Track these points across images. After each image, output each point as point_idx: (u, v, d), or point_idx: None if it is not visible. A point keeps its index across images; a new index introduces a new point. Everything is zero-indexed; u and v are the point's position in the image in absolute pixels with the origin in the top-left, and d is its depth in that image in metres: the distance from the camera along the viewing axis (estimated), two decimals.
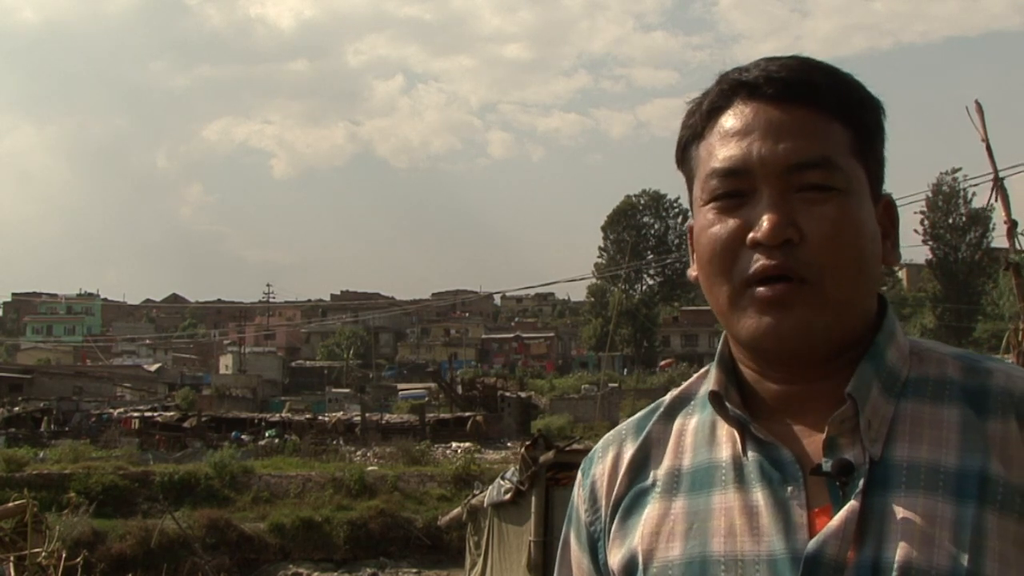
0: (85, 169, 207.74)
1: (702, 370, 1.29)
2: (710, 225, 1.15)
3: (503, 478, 8.56)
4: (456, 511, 13.27)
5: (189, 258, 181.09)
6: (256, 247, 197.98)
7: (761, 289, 1.10)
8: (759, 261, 1.10)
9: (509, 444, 32.67)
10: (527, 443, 7.86)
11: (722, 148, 1.15)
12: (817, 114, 1.13)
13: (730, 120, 1.15)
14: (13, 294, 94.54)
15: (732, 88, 1.17)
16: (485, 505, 9.78)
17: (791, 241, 1.09)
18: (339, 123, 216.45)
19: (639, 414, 1.31)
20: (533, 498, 7.43)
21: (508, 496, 8.13)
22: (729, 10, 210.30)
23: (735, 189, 1.13)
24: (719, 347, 1.22)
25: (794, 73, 1.14)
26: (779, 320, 1.10)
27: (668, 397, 1.30)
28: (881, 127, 1.18)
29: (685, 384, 1.30)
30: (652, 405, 1.31)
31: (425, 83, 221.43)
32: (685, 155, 1.22)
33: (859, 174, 1.14)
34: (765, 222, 1.09)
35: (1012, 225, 5.99)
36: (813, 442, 1.12)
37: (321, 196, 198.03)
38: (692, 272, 1.22)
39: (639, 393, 52.05)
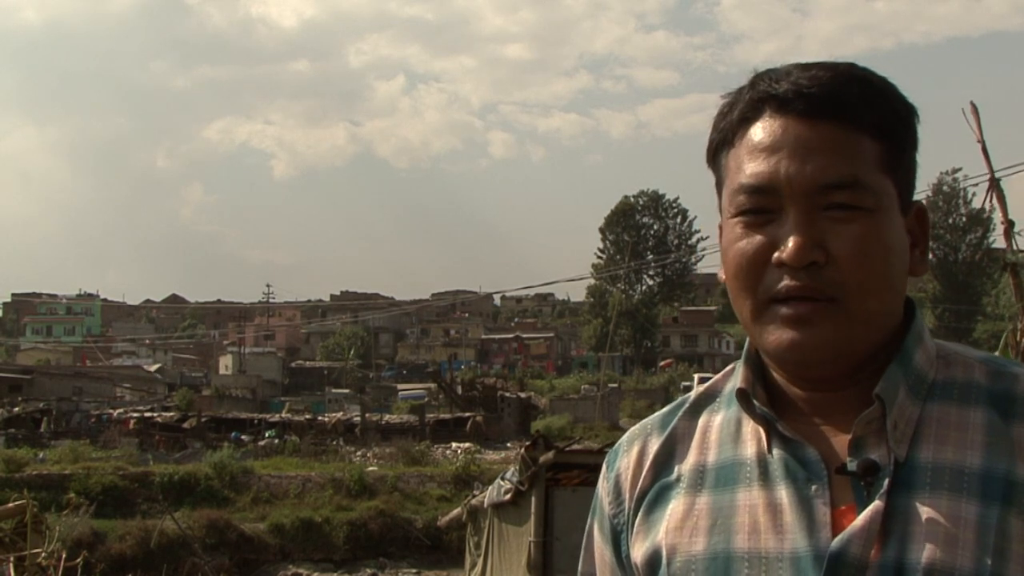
0: (85, 169, 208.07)
1: (728, 367, 1.30)
2: (736, 239, 1.15)
3: (503, 478, 8.56)
4: (456, 511, 13.28)
5: (189, 258, 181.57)
6: (256, 247, 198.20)
7: (785, 308, 1.11)
8: (784, 282, 1.11)
9: (509, 444, 32.66)
10: (527, 443, 7.86)
11: (750, 163, 1.15)
12: (847, 131, 1.12)
13: (759, 134, 1.15)
14: (13, 294, 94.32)
15: (762, 99, 1.16)
16: (485, 505, 9.78)
17: (817, 263, 1.09)
18: (340, 123, 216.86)
19: (664, 409, 1.32)
20: (533, 498, 7.43)
21: (508, 496, 8.14)
22: (731, 10, 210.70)
23: (762, 206, 1.13)
24: (746, 345, 1.23)
25: (825, 88, 1.12)
26: (803, 336, 1.10)
27: (693, 393, 1.30)
28: (914, 135, 1.18)
29: (711, 381, 1.31)
30: (678, 400, 1.32)
31: (426, 83, 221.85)
32: (716, 158, 1.23)
33: (888, 189, 1.13)
34: (791, 243, 1.09)
35: (1009, 225, 6.00)
36: (838, 442, 1.13)
37: (321, 196, 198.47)
38: (722, 274, 1.22)
39: (639, 393, 52.04)
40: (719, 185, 1.22)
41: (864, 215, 1.10)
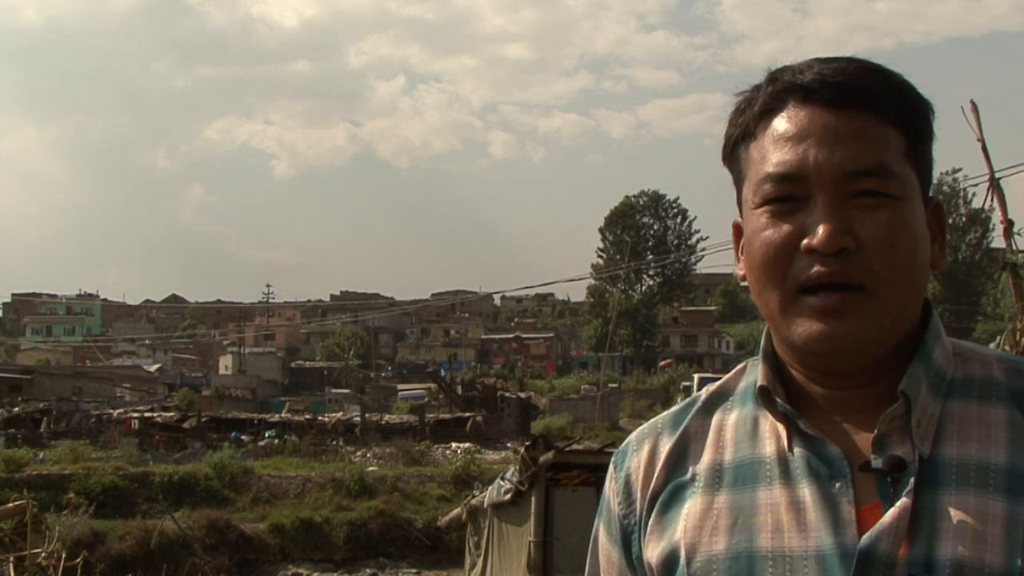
0: (85, 169, 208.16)
1: (739, 366, 1.29)
2: (763, 229, 1.14)
3: (503, 479, 8.56)
4: (456, 511, 13.27)
5: (189, 258, 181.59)
6: (256, 247, 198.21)
7: (815, 297, 1.10)
8: (815, 268, 1.10)
9: (509, 444, 32.65)
10: (527, 444, 7.86)
11: (776, 152, 1.14)
12: (873, 120, 1.12)
13: (784, 124, 1.15)
14: (13, 294, 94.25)
15: (786, 90, 1.15)
16: (485, 505, 9.78)
17: (847, 249, 1.09)
18: (340, 123, 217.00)
19: (675, 408, 1.30)
20: (533, 498, 7.43)
21: (508, 496, 8.13)
22: (731, 10, 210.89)
23: (789, 194, 1.13)
24: (762, 343, 1.22)
25: (850, 78, 1.13)
26: (833, 327, 1.10)
27: (705, 392, 1.28)
28: (931, 129, 1.18)
29: (723, 379, 1.30)
30: (688, 399, 1.30)
31: (426, 83, 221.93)
32: (734, 153, 1.22)
33: (912, 179, 1.14)
34: (821, 230, 1.09)
35: (1008, 225, 6.00)
36: (860, 439, 1.12)
37: (321, 197, 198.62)
38: (739, 271, 1.21)
39: (639, 394, 52.03)
40: (738, 181, 1.21)
41: (892, 203, 1.11)
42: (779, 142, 1.14)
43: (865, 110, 1.12)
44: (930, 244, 1.16)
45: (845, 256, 1.09)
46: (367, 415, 39.25)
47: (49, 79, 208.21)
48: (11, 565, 9.12)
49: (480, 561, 9.99)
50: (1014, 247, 5.84)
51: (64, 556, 9.87)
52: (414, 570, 22.87)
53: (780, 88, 1.16)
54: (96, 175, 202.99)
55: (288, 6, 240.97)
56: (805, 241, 1.10)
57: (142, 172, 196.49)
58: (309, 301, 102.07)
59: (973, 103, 5.75)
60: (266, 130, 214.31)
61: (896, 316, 1.11)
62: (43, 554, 9.40)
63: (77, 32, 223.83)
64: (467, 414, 37.62)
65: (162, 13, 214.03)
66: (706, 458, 1.21)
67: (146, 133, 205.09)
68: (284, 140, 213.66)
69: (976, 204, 62.96)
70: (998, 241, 6.09)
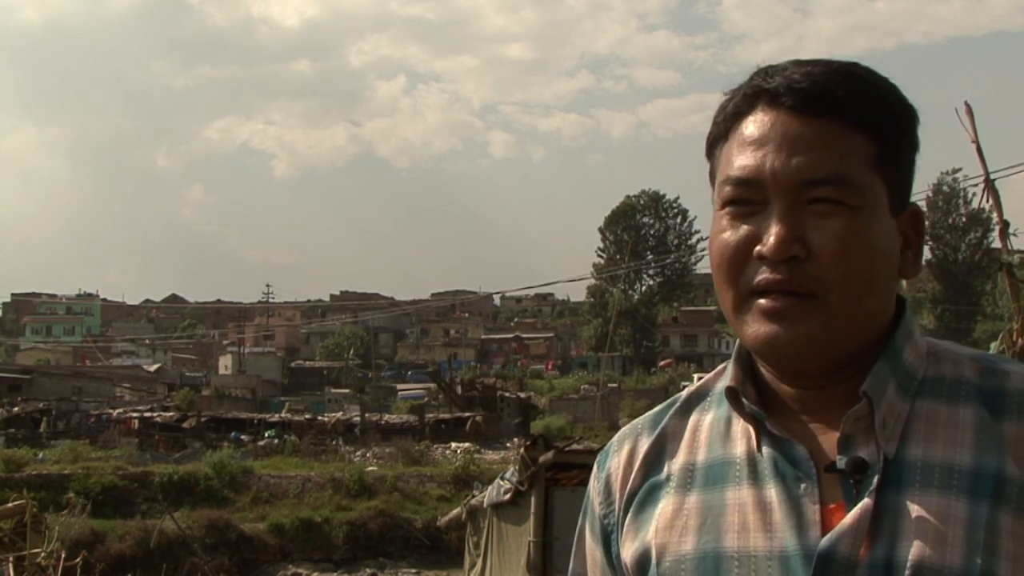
0: (85, 169, 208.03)
1: (720, 367, 1.29)
2: (721, 231, 1.15)
3: (503, 478, 8.55)
4: (455, 511, 13.26)
5: (189, 258, 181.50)
6: (256, 247, 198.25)
7: (763, 301, 1.11)
8: (763, 274, 1.10)
9: (508, 444, 32.66)
10: (527, 443, 7.86)
11: (739, 156, 1.15)
12: (837, 127, 1.11)
13: (749, 127, 1.15)
14: (13, 294, 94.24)
15: (755, 93, 1.16)
16: (485, 505, 9.77)
17: (797, 257, 1.09)
18: (340, 123, 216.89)
19: (656, 408, 1.31)
20: (532, 498, 7.42)
21: (507, 496, 8.12)
22: (732, 10, 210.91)
23: (747, 198, 1.13)
24: (736, 344, 1.22)
25: (817, 84, 1.12)
26: (780, 330, 1.10)
27: (685, 392, 1.30)
28: (910, 137, 1.16)
29: (703, 380, 1.30)
30: (670, 400, 1.31)
31: (427, 83, 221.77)
32: (712, 152, 1.23)
33: (878, 188, 1.12)
34: (772, 237, 1.09)
35: (1004, 226, 6.00)
36: (828, 440, 1.12)
37: (321, 196, 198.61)
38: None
39: (638, 393, 52.01)
40: (712, 179, 1.22)
41: (847, 211, 1.10)
42: (743, 146, 1.15)
43: (829, 117, 1.11)
44: (901, 252, 1.15)
45: (795, 264, 1.09)
46: (367, 415, 39.28)
47: (49, 79, 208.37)
48: (11, 565, 9.12)
49: (479, 561, 9.98)
50: (1010, 247, 5.84)
51: (64, 556, 9.88)
52: (414, 570, 22.89)
53: (750, 91, 1.17)
54: (96, 175, 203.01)
55: (288, 6, 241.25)
56: (758, 247, 1.11)
57: (142, 172, 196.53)
58: (309, 301, 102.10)
59: (967, 105, 5.76)
60: (266, 130, 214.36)
61: (850, 323, 1.10)
62: (43, 554, 9.41)
63: (77, 32, 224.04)
64: (467, 414, 37.64)
65: (162, 13, 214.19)
66: (680, 458, 1.22)
67: (146, 133, 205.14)
68: (284, 140, 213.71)
69: (975, 204, 62.75)
70: (998, 241, 6.08)
